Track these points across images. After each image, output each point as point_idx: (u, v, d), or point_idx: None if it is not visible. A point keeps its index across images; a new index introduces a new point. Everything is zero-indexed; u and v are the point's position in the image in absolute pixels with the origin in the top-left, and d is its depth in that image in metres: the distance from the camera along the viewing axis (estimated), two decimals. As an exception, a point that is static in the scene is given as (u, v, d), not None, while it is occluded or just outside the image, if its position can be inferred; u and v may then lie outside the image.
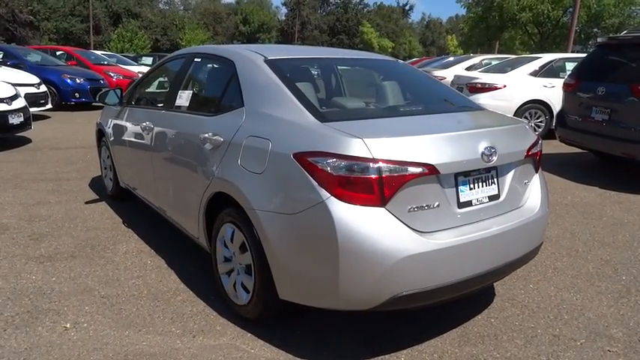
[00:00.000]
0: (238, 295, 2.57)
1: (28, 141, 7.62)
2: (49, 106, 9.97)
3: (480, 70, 10.59)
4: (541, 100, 8.61)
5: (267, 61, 2.72)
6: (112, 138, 4.24)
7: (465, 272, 2.19)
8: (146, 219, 4.16)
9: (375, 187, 1.99)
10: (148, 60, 19.96)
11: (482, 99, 8.20)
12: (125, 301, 2.80)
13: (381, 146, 2.03)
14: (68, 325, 2.50)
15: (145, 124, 3.51)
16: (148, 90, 4.06)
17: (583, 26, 23.81)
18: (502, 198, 2.43)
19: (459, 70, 11.08)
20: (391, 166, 2.01)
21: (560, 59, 9.07)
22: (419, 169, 2.05)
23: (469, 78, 9.21)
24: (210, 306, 2.76)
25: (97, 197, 4.77)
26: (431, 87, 3.11)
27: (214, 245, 2.77)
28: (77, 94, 11.52)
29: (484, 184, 2.35)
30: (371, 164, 1.99)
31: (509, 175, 2.48)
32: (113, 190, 4.59)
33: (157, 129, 3.34)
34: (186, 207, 3.01)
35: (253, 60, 2.76)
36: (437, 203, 2.16)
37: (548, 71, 8.79)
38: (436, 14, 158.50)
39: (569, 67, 8.75)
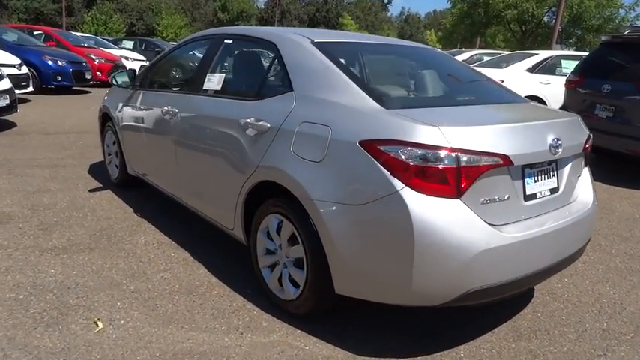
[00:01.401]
0: (285, 290, 2.45)
1: (12, 125, 7.23)
2: (31, 88, 9.52)
3: (473, 65, 10.62)
4: (537, 97, 8.67)
5: (315, 44, 2.58)
6: (122, 123, 4.02)
7: (531, 267, 2.13)
8: (160, 208, 3.97)
9: (452, 177, 1.90)
10: (129, 44, 19.34)
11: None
12: (158, 295, 2.64)
13: (457, 135, 1.93)
14: (100, 324, 2.33)
15: (166, 108, 3.32)
16: (166, 72, 3.85)
17: (565, 26, 24.24)
18: (560, 191, 2.37)
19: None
20: (468, 156, 1.91)
21: (556, 57, 9.15)
22: (495, 160, 1.97)
23: None
24: (250, 301, 2.62)
25: (101, 185, 4.53)
26: (474, 77, 3.02)
27: (254, 237, 2.63)
28: (59, 77, 11.03)
29: (546, 176, 2.29)
30: (448, 153, 1.89)
31: (567, 169, 2.43)
32: (119, 177, 4.37)
33: (182, 114, 3.15)
34: (218, 197, 2.86)
35: (300, 42, 2.61)
36: (507, 196, 2.08)
37: (545, 68, 8.85)
38: (415, 9, 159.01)
39: (565, 64, 8.84)
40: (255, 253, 2.65)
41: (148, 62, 12.47)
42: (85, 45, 14.31)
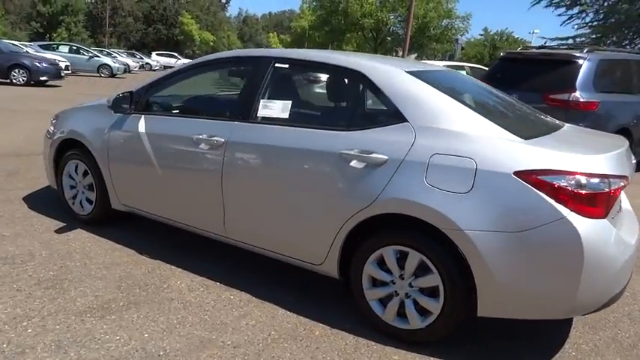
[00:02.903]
0: (411, 320, 2.45)
1: None
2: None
3: None
4: None
5: (411, 73, 2.60)
6: (112, 152, 3.45)
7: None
8: (163, 245, 3.54)
9: (604, 200, 2.14)
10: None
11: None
12: (266, 347, 2.41)
13: (603, 163, 2.18)
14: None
15: (201, 136, 2.98)
16: (186, 96, 3.42)
17: (413, 34, 27.01)
18: (621, 209, 2.74)
19: None
20: (613, 180, 2.18)
21: (448, 67, 10.27)
22: (624, 182, 2.26)
23: None
24: (360, 335, 2.55)
25: (63, 224, 3.81)
26: (514, 102, 3.24)
27: (358, 271, 2.56)
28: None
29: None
30: (602, 179, 2.13)
31: None
32: (94, 213, 3.75)
33: (234, 144, 2.87)
34: (303, 232, 2.69)
35: (395, 72, 2.60)
36: (617, 209, 2.40)
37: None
38: (252, 10, 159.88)
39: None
40: (360, 286, 2.58)
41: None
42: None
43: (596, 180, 2.13)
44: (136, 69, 32.30)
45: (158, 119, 3.32)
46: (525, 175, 2.14)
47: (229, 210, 2.96)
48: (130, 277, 3.05)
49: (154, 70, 34.86)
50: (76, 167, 3.79)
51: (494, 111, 2.73)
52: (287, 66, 2.95)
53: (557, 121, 3.05)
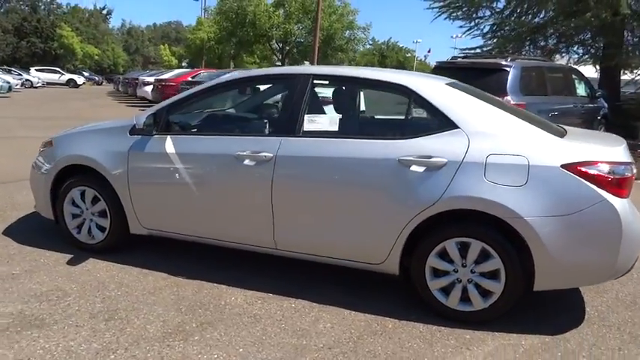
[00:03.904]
0: (474, 302, 2.78)
1: None
2: None
3: None
4: None
5: (451, 85, 2.95)
6: (135, 174, 3.36)
7: None
8: (194, 262, 3.53)
9: (628, 183, 2.65)
10: None
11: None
12: (356, 344, 2.59)
13: (622, 153, 2.70)
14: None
15: (244, 153, 3.06)
16: (217, 114, 3.41)
17: (320, 45, 27.88)
18: None
19: None
20: (631, 166, 2.69)
21: None
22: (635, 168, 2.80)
23: None
24: (432, 323, 2.82)
25: (71, 255, 3.59)
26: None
27: (421, 265, 2.84)
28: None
29: None
30: (627, 167, 2.64)
31: None
32: (107, 240, 3.60)
33: (285, 158, 2.99)
34: (365, 235, 2.89)
35: (439, 84, 2.94)
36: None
37: None
38: (136, 21, 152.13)
39: None
40: (423, 278, 2.86)
41: None
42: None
43: (622, 167, 2.63)
44: (18, 86, 29.31)
45: (188, 139, 3.32)
46: (570, 167, 2.58)
47: (280, 223, 3.07)
48: (183, 299, 3.03)
49: (36, 88, 31.75)
50: (82, 194, 3.61)
51: (520, 114, 3.17)
52: (328, 82, 3.16)
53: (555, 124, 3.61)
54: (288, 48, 29.30)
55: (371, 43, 32.18)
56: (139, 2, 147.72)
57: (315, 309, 2.96)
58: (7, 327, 2.61)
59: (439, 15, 14.94)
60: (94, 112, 15.75)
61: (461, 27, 14.84)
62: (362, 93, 3.31)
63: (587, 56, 15.72)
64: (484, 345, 2.63)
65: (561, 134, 2.91)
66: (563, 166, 2.59)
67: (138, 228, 3.52)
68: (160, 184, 3.35)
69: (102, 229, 3.62)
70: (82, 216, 3.66)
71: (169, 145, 3.30)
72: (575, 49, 15.59)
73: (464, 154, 2.71)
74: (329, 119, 3.04)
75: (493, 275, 2.74)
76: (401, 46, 63.09)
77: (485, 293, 2.78)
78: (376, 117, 3.18)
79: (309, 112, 3.08)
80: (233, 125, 3.55)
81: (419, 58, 63.67)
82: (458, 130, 2.78)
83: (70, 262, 3.49)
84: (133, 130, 3.42)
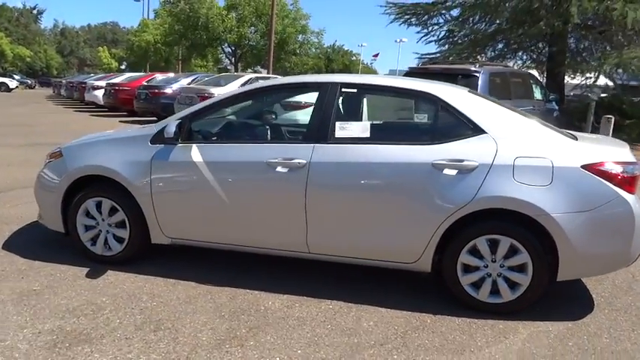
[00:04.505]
0: (504, 294, 3.00)
1: None
2: None
3: (199, 83, 13.04)
4: None
5: (471, 92, 3.16)
6: (160, 184, 3.33)
7: None
8: (216, 269, 3.54)
9: (637, 180, 2.95)
10: None
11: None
12: (405, 339, 2.73)
13: (629, 154, 3.01)
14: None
15: (276, 160, 3.12)
16: (245, 123, 3.43)
17: (274, 49, 27.82)
18: None
19: (235, 87, 12.14)
20: (638, 166, 3.01)
21: (255, 77, 12.54)
22: (638, 168, 3.13)
23: (198, 89, 11.55)
24: (466, 316, 3.00)
25: (87, 268, 3.51)
26: None
27: (453, 261, 3.02)
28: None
29: None
30: (635, 165, 2.95)
31: None
32: (126, 251, 3.54)
33: (319, 164, 3.08)
34: (399, 236, 3.04)
35: (463, 92, 3.14)
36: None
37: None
38: (69, 22, 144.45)
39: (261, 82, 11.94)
40: (455, 274, 3.05)
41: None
42: None
43: (631, 166, 2.93)
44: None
45: (215, 147, 3.34)
46: (589, 167, 2.85)
47: (313, 227, 3.16)
48: (221, 306, 3.05)
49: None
50: (98, 205, 3.53)
51: (534, 119, 3.43)
52: (356, 90, 3.28)
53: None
54: (241, 52, 29.07)
55: (317, 47, 32.52)
56: (72, 2, 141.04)
57: (352, 309, 3.07)
58: (54, 344, 2.54)
59: (394, 21, 15.44)
60: (44, 118, 14.97)
61: (418, 32, 15.41)
62: (389, 100, 3.47)
63: (529, 62, 16.83)
64: (518, 333, 2.85)
65: (574, 137, 3.19)
66: (582, 166, 2.86)
67: (160, 237, 3.48)
68: (186, 192, 3.35)
69: (120, 240, 3.55)
70: (98, 227, 3.57)
71: (196, 153, 3.30)
72: (520, 54, 16.64)
73: (493, 157, 2.92)
74: (361, 126, 3.17)
75: (521, 268, 2.97)
76: (346, 49, 64.06)
77: (513, 285, 3.00)
78: (406, 123, 3.35)
79: (341, 119, 3.20)
80: (261, 133, 3.59)
81: (365, 62, 64.93)
82: (485, 135, 2.99)
83: (90, 275, 3.40)
84: (155, 139, 3.40)
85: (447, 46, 15.23)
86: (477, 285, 3.05)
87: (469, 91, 3.22)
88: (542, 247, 2.91)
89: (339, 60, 63.20)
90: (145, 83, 15.65)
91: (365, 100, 3.50)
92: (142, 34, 33.89)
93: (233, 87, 11.79)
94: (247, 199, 3.25)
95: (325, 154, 3.12)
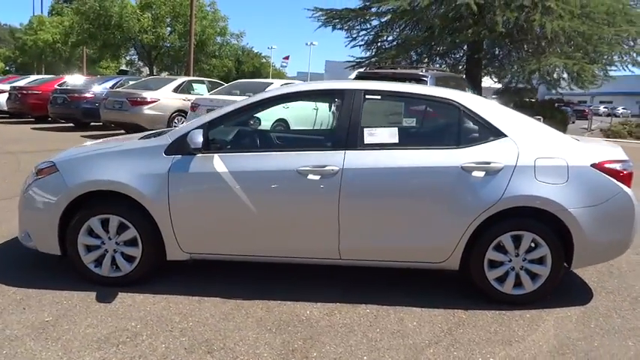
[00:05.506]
0: (526, 285, 3.22)
1: None
2: None
3: (127, 87, 12.52)
4: (183, 110, 11.16)
5: (485, 99, 3.36)
6: (176, 198, 3.14)
7: None
8: (234, 283, 3.42)
9: (632, 176, 3.33)
10: None
11: (145, 110, 10.98)
12: (451, 336, 2.85)
13: (623, 152, 3.38)
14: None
15: (306, 167, 3.10)
16: (270, 132, 3.30)
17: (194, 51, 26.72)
18: None
19: (168, 91, 11.62)
20: (632, 163, 3.39)
21: (189, 81, 12.61)
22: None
23: (128, 93, 11.34)
24: (495, 309, 3.19)
25: (94, 292, 3.21)
26: None
27: (480, 258, 3.20)
28: None
29: None
30: (630, 163, 3.32)
31: None
32: (137, 271, 3.30)
33: (352, 170, 3.10)
34: (429, 237, 3.15)
35: (481, 99, 3.32)
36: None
37: (183, 89, 11.83)
38: None
39: (195, 86, 12.35)
40: (482, 270, 3.23)
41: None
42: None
43: (629, 164, 3.31)
44: None
45: (239, 156, 3.23)
46: (597, 166, 3.17)
47: (345, 233, 3.18)
48: (263, 320, 2.96)
49: None
50: (104, 223, 3.25)
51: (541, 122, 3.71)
52: (380, 97, 3.34)
53: None
54: (156, 53, 27.59)
55: (236, 50, 32.09)
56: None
57: (390, 311, 3.13)
58: (107, 378, 2.32)
59: (322, 25, 15.71)
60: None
61: (347, 37, 15.85)
62: (412, 107, 3.57)
63: (445, 65, 17.99)
64: (545, 320, 3.09)
65: (577, 139, 3.53)
66: (592, 165, 3.17)
67: (177, 254, 3.29)
68: (210, 205, 3.20)
69: (129, 259, 3.30)
70: (103, 247, 3.29)
71: (219, 163, 3.17)
72: (436, 59, 17.74)
73: (516, 158, 3.14)
74: (389, 132, 3.24)
75: (541, 261, 3.22)
76: (256, 52, 63.43)
77: (534, 277, 3.24)
78: (431, 129, 3.46)
79: (370, 126, 3.25)
80: (286, 141, 3.52)
81: (275, 66, 64.68)
82: (506, 138, 3.20)
83: (103, 300, 3.12)
84: (170, 150, 3.21)
85: (370, 51, 15.82)
86: (501, 279, 3.25)
87: (482, 98, 3.43)
88: (559, 239, 3.18)
89: (249, 62, 62.48)
90: (58, 87, 14.39)
91: (389, 106, 3.58)
92: (39, 32, 30.99)
93: (166, 91, 11.56)
94: (277, 209, 3.19)
95: (357, 160, 3.15)
